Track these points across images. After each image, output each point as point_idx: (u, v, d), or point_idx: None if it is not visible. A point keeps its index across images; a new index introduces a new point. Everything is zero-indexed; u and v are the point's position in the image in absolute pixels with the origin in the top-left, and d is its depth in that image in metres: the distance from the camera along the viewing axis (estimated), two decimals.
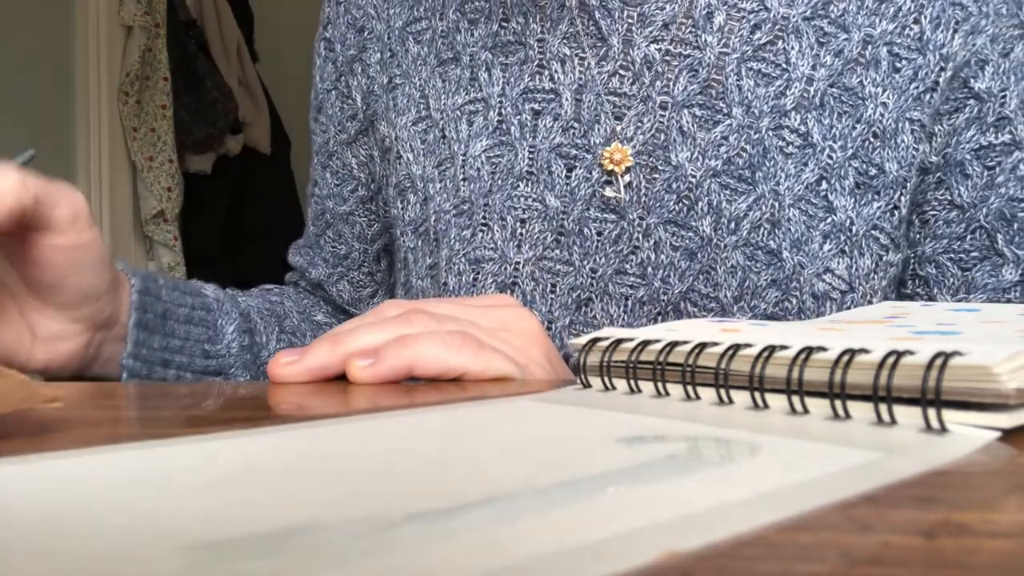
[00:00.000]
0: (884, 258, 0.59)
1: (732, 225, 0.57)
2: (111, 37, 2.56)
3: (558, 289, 0.60)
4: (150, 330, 0.55)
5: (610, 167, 0.59)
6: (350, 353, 0.42)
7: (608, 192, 0.59)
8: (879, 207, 0.58)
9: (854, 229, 0.58)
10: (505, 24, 0.65)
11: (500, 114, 0.63)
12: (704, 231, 0.58)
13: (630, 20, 0.61)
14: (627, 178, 0.59)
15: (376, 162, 0.72)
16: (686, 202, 0.58)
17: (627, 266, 0.59)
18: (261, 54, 2.98)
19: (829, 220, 0.58)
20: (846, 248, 0.58)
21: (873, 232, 0.58)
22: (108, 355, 0.54)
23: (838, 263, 0.57)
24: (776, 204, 0.57)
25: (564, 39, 0.62)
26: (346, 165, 0.74)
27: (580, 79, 0.61)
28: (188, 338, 0.58)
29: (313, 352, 0.43)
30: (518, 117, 0.63)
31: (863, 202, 0.58)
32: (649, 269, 0.58)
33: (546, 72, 0.62)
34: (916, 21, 0.59)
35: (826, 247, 0.57)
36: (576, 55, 0.62)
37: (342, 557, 0.15)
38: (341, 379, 0.43)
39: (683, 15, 0.60)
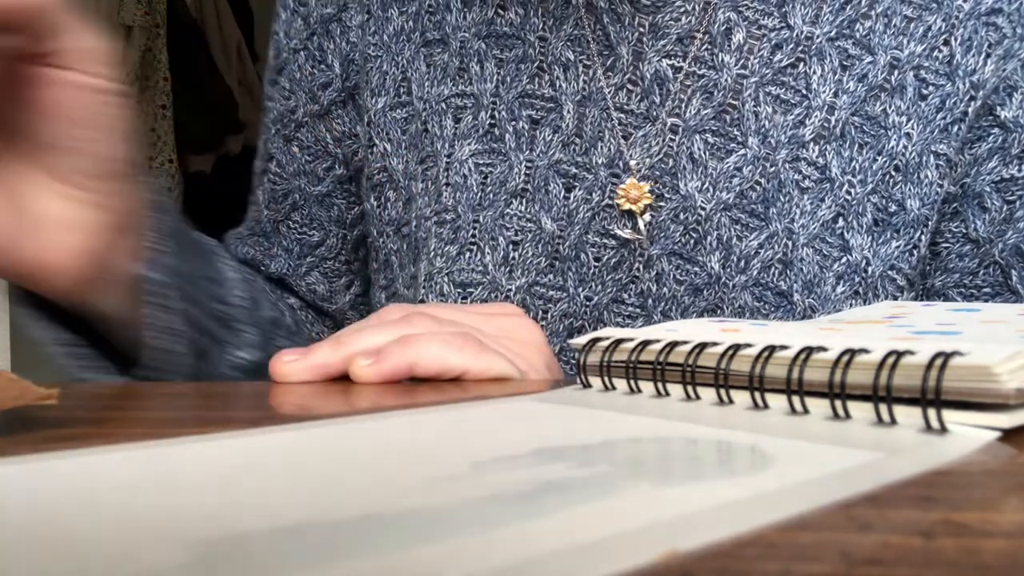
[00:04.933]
0: (899, 299, 0.55)
1: (742, 264, 0.54)
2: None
3: (550, 316, 0.56)
4: (179, 244, 0.45)
5: (626, 206, 0.55)
6: (352, 353, 0.42)
7: (624, 234, 0.55)
8: (898, 247, 0.55)
9: (870, 270, 0.54)
10: (502, 12, 0.59)
11: (492, 117, 0.58)
12: (712, 268, 0.54)
13: (641, 29, 0.56)
14: (647, 217, 0.55)
15: (360, 140, 0.64)
16: (694, 235, 0.54)
17: (625, 296, 0.55)
18: (261, 54, 2.98)
19: (844, 260, 0.54)
20: (860, 290, 0.54)
21: (890, 273, 0.55)
22: (121, 269, 0.42)
23: (851, 306, 0.54)
24: (789, 243, 0.54)
25: (568, 41, 0.57)
26: (319, 140, 0.65)
27: (584, 89, 0.57)
28: (200, 274, 0.49)
29: (316, 351, 0.43)
30: (513, 124, 0.58)
31: (881, 241, 0.55)
32: (650, 301, 0.55)
33: (546, 76, 0.58)
34: (946, 43, 0.55)
35: (839, 289, 0.54)
36: (581, 62, 0.57)
37: (342, 556, 0.15)
38: (342, 379, 0.43)
39: (700, 30, 0.56)
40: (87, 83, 0.37)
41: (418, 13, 0.61)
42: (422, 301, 0.58)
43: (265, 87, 0.68)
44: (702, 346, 0.32)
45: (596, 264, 0.56)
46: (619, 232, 0.55)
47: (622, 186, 0.55)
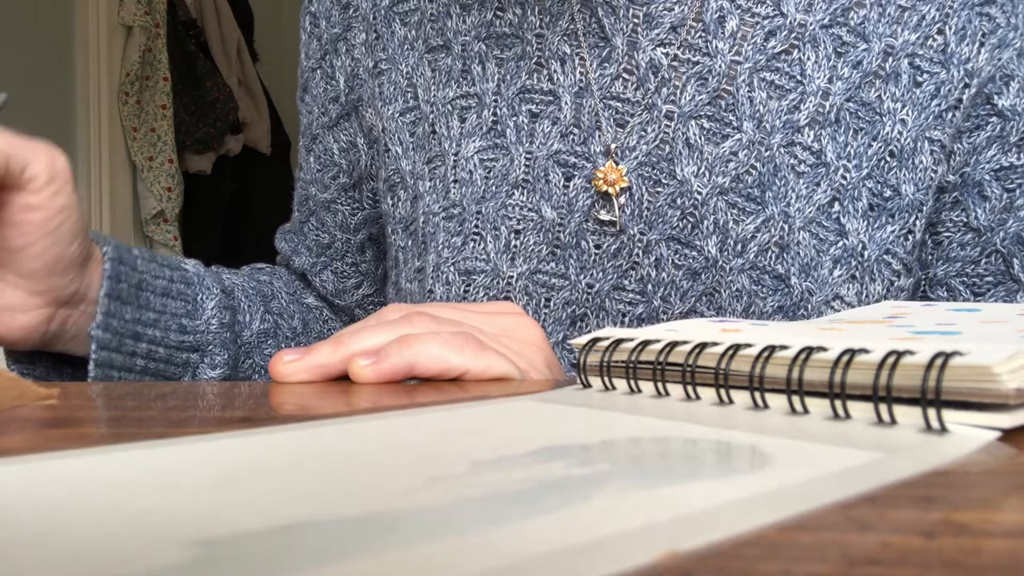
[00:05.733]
0: (896, 284, 0.56)
1: (739, 247, 0.55)
2: (111, 37, 2.56)
3: (552, 304, 0.57)
4: (123, 300, 0.53)
5: (604, 188, 0.56)
6: (352, 353, 0.42)
7: (603, 215, 0.56)
8: (893, 231, 0.55)
9: (866, 254, 0.55)
10: (500, 14, 0.61)
11: (495, 114, 0.60)
12: (709, 251, 0.55)
13: (635, 20, 0.57)
14: (622, 200, 0.56)
15: (361, 150, 0.68)
16: (691, 219, 0.55)
17: (626, 282, 0.56)
18: (261, 54, 2.98)
19: (840, 244, 0.55)
20: (857, 274, 0.55)
21: (885, 257, 0.55)
22: (75, 332, 0.52)
23: (848, 289, 0.55)
24: (786, 227, 0.54)
25: (564, 36, 0.58)
26: (327, 150, 0.70)
27: (580, 81, 0.58)
28: (164, 311, 0.56)
29: (316, 351, 0.43)
30: (514, 119, 0.59)
31: (876, 225, 0.55)
32: (649, 287, 0.56)
33: (544, 71, 0.59)
34: (940, 32, 0.55)
35: (836, 273, 0.55)
36: (577, 54, 0.58)
37: (341, 556, 0.15)
38: (342, 379, 0.43)
39: (693, 18, 0.56)
40: (38, 203, 0.45)
41: (420, 22, 0.64)
42: (430, 291, 0.60)
43: (297, 102, 0.74)
44: (702, 346, 0.32)
45: (596, 251, 0.57)
46: (600, 215, 0.57)
47: (600, 169, 0.56)
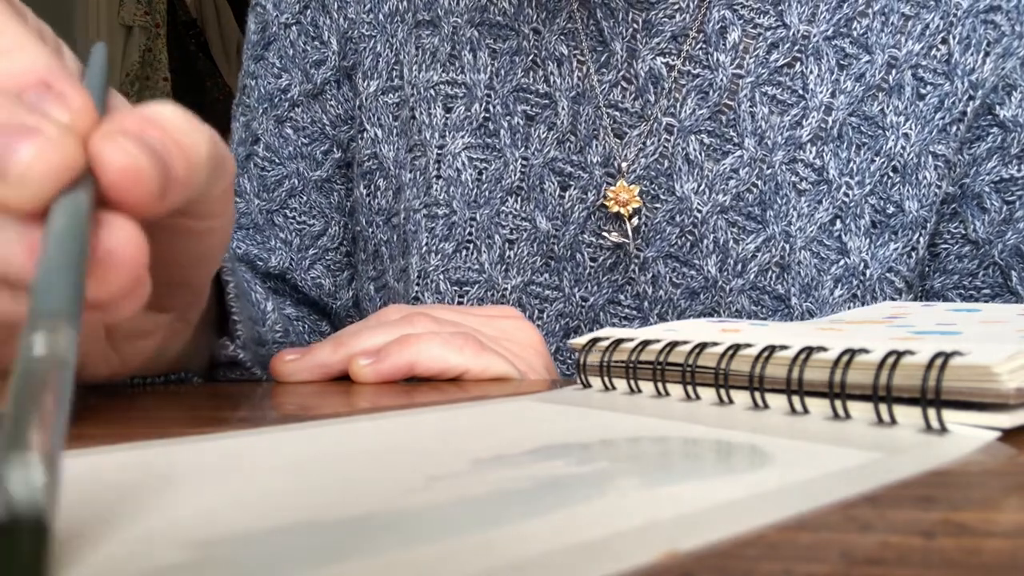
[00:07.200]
0: (897, 302, 0.55)
1: (739, 267, 0.54)
2: (111, 37, 2.56)
3: (545, 315, 0.56)
4: (243, 311, 0.44)
5: (615, 208, 0.54)
6: (353, 353, 0.42)
7: (614, 237, 0.54)
8: (896, 249, 0.55)
9: (868, 272, 0.54)
10: (494, 0, 0.58)
11: (487, 110, 0.57)
12: (709, 271, 0.54)
13: (635, 26, 0.55)
14: (635, 221, 0.54)
15: (355, 125, 0.62)
16: (690, 238, 0.54)
17: (621, 297, 0.55)
18: None
19: (842, 263, 0.54)
20: (858, 293, 0.54)
21: (888, 275, 0.55)
22: (174, 346, 0.40)
23: (849, 309, 0.54)
24: (787, 246, 0.53)
25: (562, 35, 0.56)
26: (316, 121, 0.62)
27: (578, 86, 0.56)
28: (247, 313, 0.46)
29: (316, 351, 0.43)
30: (508, 119, 0.57)
31: (879, 243, 0.54)
32: (646, 304, 0.55)
33: (540, 71, 0.57)
34: (944, 41, 0.55)
35: (837, 292, 0.54)
36: (575, 57, 0.56)
37: (341, 556, 0.15)
38: (342, 379, 0.43)
39: (694, 28, 0.55)
40: (198, 227, 0.32)
41: None
42: (416, 298, 0.58)
43: (245, 64, 0.64)
44: (702, 346, 0.32)
45: (592, 264, 0.56)
46: (608, 236, 0.55)
47: (611, 188, 0.55)
